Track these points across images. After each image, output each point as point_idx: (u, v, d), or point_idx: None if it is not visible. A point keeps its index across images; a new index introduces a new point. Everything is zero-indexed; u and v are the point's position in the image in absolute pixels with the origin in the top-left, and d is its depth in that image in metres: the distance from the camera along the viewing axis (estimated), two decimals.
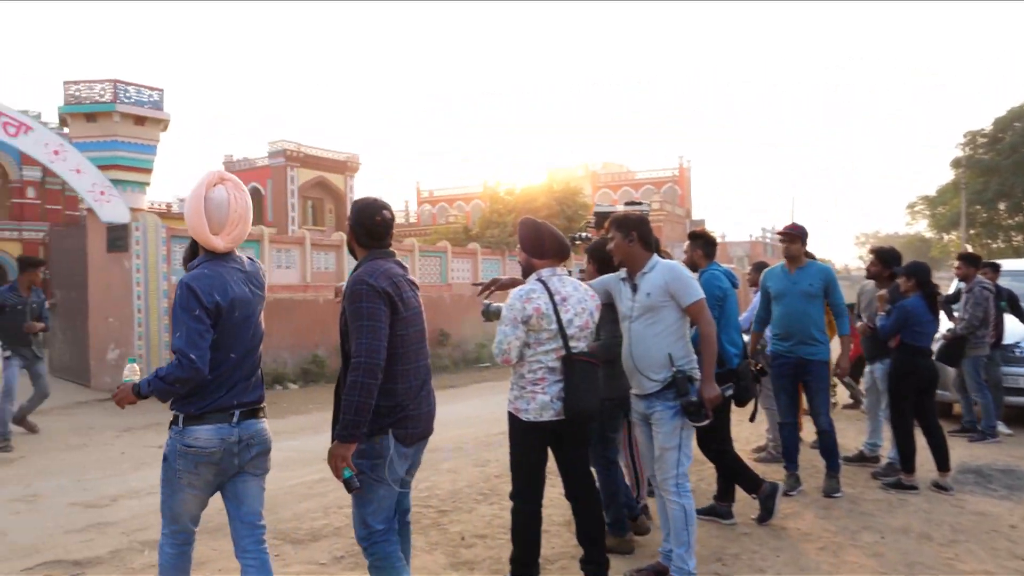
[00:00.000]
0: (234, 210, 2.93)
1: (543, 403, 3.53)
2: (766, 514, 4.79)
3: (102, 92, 10.66)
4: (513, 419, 3.64)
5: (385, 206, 3.17)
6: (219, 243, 2.93)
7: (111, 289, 10.75)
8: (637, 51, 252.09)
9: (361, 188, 45.16)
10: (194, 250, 3.13)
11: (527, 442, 3.62)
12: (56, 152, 10.06)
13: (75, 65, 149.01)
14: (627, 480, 4.82)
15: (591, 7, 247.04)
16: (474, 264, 17.25)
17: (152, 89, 11.04)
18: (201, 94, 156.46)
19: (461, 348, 14.97)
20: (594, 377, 3.60)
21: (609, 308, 3.99)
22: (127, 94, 10.73)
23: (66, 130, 11.33)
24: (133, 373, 3.03)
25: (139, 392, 2.94)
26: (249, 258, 3.19)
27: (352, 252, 3.21)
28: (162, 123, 11.18)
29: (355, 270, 3.08)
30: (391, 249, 3.22)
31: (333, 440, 2.92)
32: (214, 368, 2.91)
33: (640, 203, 4.42)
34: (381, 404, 2.94)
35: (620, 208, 4.36)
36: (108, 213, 10.58)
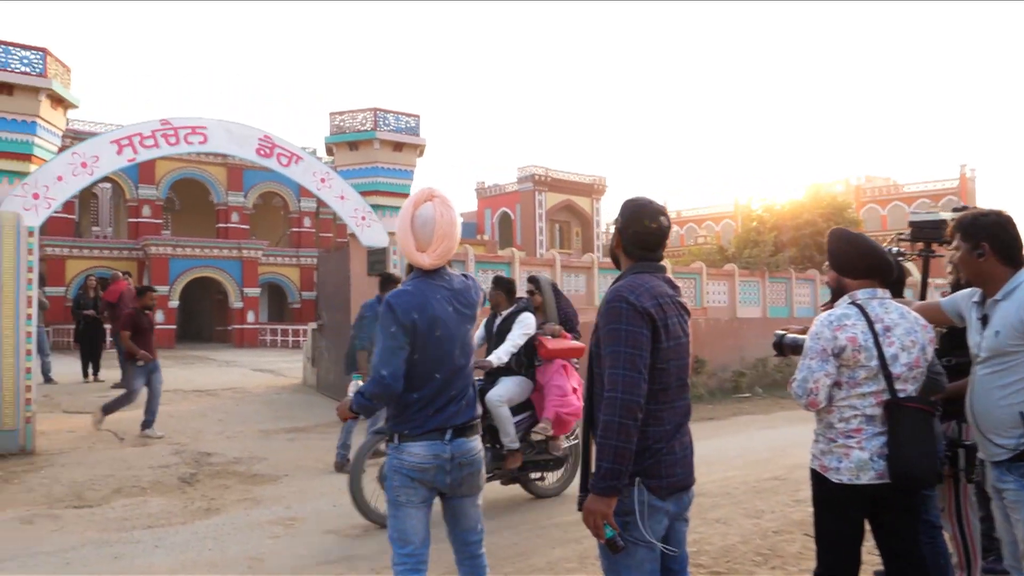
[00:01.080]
0: (440, 226, 2.99)
1: (860, 461, 2.79)
2: None
3: (363, 121, 11.13)
4: (819, 479, 2.92)
5: (661, 210, 2.66)
6: (425, 260, 3.01)
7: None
8: (903, 47, 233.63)
9: (608, 211, 45.04)
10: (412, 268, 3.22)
11: (839, 510, 2.88)
12: (323, 180, 10.60)
13: (344, 96, 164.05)
14: (953, 553, 3.86)
15: (847, 6, 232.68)
16: (731, 286, 16.24)
17: (409, 116, 11.37)
18: (456, 121, 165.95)
19: (718, 376, 14.03)
20: (929, 430, 2.80)
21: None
22: (386, 121, 11.12)
23: (331, 159, 11.93)
24: (355, 385, 3.28)
25: (352, 408, 3.09)
26: (464, 275, 3.24)
27: (615, 261, 2.76)
28: (418, 148, 11.47)
29: (615, 282, 2.62)
30: (663, 263, 2.70)
31: (587, 493, 2.45)
32: (419, 387, 2.98)
33: (966, 206, 3.48)
34: None
35: (945, 216, 3.48)
36: (368, 237, 10.98)
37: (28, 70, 8.55)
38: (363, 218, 10.93)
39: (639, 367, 2.43)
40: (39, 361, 13.95)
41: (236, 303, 30.27)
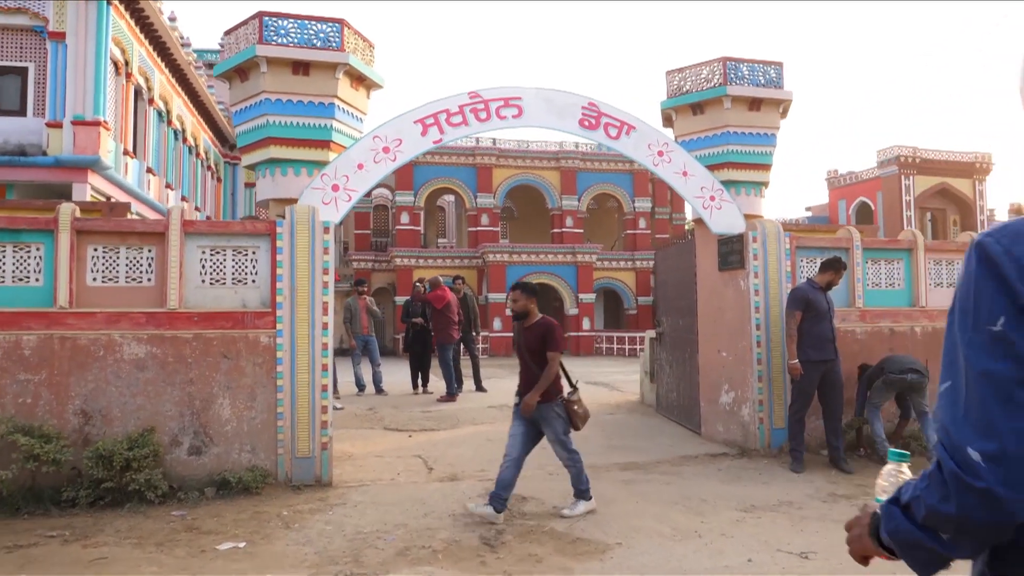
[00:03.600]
0: None
1: None
2: None
3: (710, 75, 8.86)
4: None
5: None
6: None
7: (724, 315, 8.81)
8: None
9: (994, 193, 37.97)
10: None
11: None
12: (660, 153, 8.52)
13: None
14: None
15: None
16: None
17: (769, 64, 8.88)
18: (801, 103, 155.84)
19: None
20: None
21: None
22: (738, 73, 8.75)
23: (670, 131, 9.80)
24: (896, 478, 1.38)
25: (880, 534, 1.29)
26: None
27: None
28: (781, 104, 8.93)
29: None
30: None
31: None
32: None
33: None
34: None
35: None
36: (719, 222, 8.68)
37: (324, 45, 7.54)
38: (711, 198, 8.65)
39: None
40: (368, 370, 13.58)
41: (571, 310, 29.45)
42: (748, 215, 8.80)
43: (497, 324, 28.37)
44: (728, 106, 8.71)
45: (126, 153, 18.42)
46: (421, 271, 28.77)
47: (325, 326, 7.09)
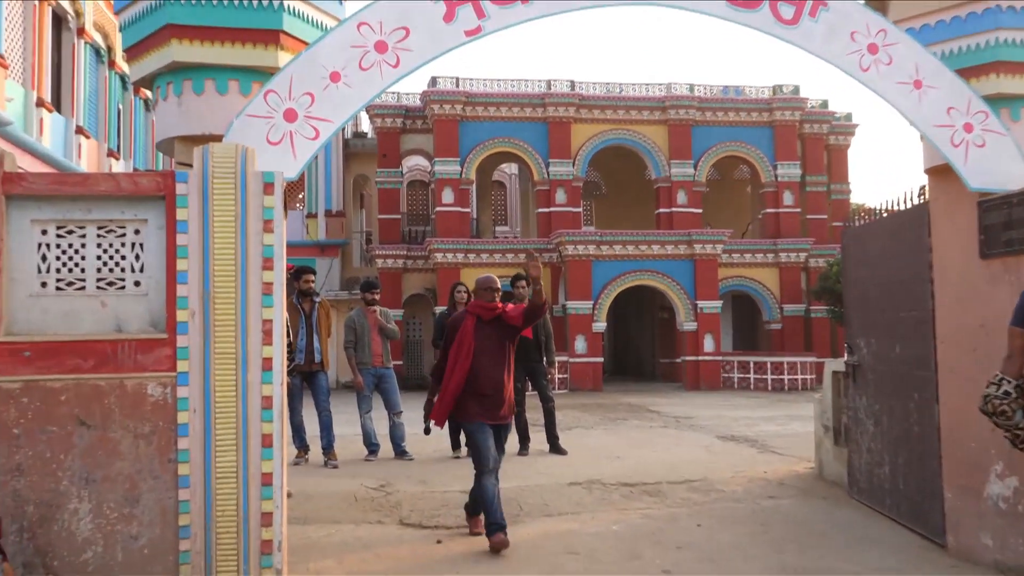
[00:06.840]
0: None
1: None
2: None
3: None
4: None
5: None
6: None
7: (993, 336, 6.52)
8: None
9: None
10: None
11: None
12: (873, 48, 6.33)
13: None
14: None
15: None
16: None
17: None
18: None
19: None
20: None
21: None
22: None
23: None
24: None
25: None
26: None
27: None
28: None
29: None
30: None
31: None
32: None
33: None
34: None
35: None
36: (980, 171, 6.41)
37: None
38: (967, 127, 6.41)
39: None
40: (385, 422, 11.68)
41: (687, 324, 27.18)
42: None
43: (580, 346, 26.32)
44: None
45: (41, 104, 16.93)
46: (472, 270, 26.88)
47: (267, 364, 5.10)
